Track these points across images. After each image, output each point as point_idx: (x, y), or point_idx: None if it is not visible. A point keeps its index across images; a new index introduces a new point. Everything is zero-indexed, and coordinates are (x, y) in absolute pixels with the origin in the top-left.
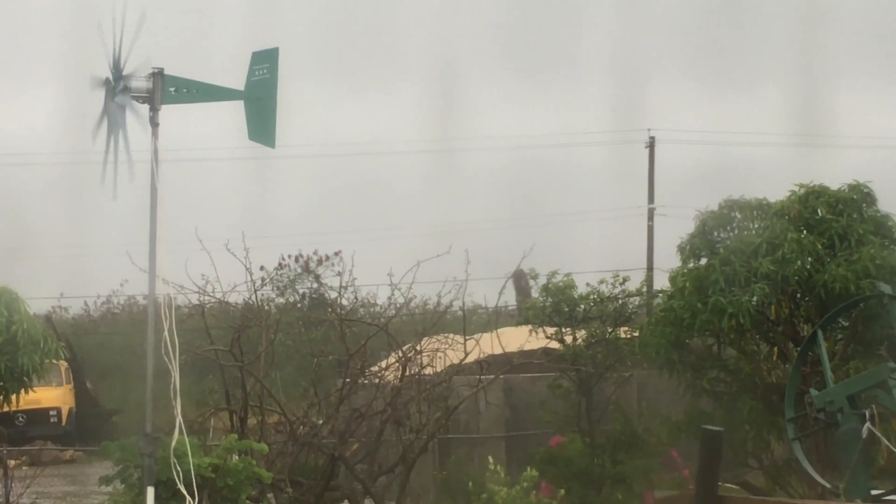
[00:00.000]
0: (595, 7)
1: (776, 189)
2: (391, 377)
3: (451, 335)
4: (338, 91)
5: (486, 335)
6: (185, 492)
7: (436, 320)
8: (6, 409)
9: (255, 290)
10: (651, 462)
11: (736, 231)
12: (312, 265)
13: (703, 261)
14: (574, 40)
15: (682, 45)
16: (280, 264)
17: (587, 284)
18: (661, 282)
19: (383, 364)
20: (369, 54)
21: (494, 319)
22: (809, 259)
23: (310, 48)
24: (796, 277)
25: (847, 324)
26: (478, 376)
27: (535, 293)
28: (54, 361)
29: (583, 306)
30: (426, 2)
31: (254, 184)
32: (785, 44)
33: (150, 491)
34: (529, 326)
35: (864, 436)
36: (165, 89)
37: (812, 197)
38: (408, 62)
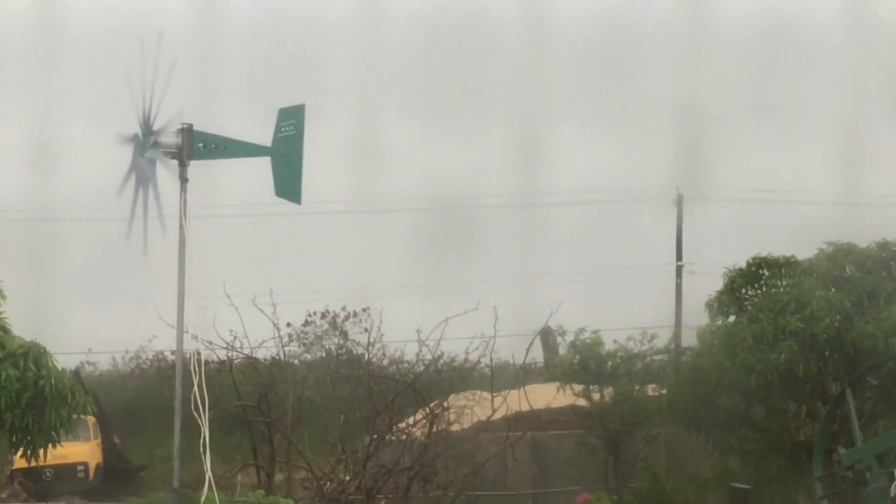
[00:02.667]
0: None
1: (804, 246)
2: (418, 434)
3: (479, 392)
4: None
5: (514, 392)
6: None
7: (463, 377)
8: (34, 464)
9: (283, 346)
10: None
11: (764, 288)
12: (339, 321)
13: (732, 318)
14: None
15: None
16: (307, 321)
17: (614, 341)
18: (689, 339)
19: (411, 420)
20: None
21: (522, 376)
22: (838, 317)
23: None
24: (825, 335)
25: (876, 382)
26: (505, 433)
27: (562, 350)
28: (82, 416)
29: (610, 363)
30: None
31: (281, 239)
32: (821, 99)
33: None
34: (557, 383)
35: (892, 494)
36: (194, 145)
37: (840, 255)
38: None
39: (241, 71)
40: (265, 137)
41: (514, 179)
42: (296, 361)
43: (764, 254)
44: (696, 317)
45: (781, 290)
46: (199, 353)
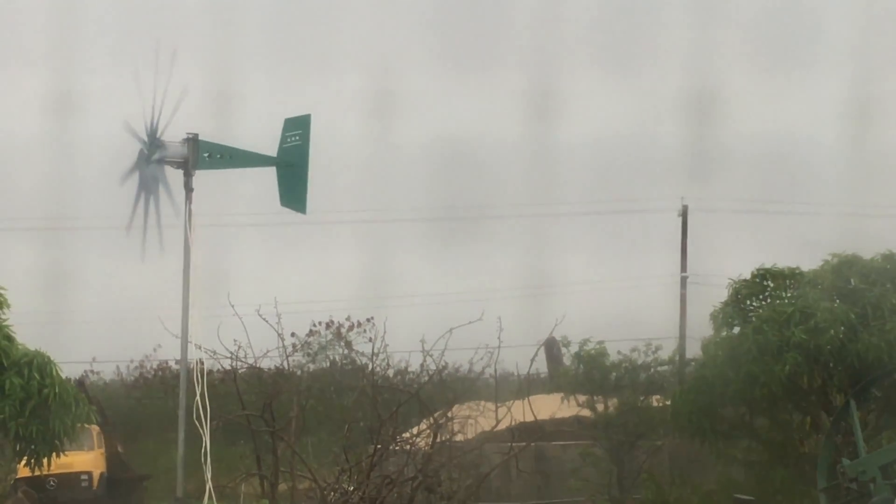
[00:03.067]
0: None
1: (808, 257)
2: (422, 444)
3: (483, 402)
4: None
5: (518, 402)
6: None
7: (468, 387)
8: (38, 472)
9: (287, 356)
10: None
11: (769, 300)
12: (343, 331)
13: (736, 329)
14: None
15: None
16: (311, 331)
17: (618, 352)
18: (693, 350)
19: (415, 430)
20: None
21: (526, 387)
22: (842, 328)
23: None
24: (829, 347)
25: (880, 394)
26: (509, 444)
27: (567, 361)
28: (86, 426)
29: (615, 374)
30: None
31: (285, 249)
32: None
33: None
34: (561, 394)
35: None
36: (200, 155)
37: (845, 266)
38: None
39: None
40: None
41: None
42: (299, 372)
43: (768, 265)
44: (701, 328)
45: (786, 301)
46: (202, 363)
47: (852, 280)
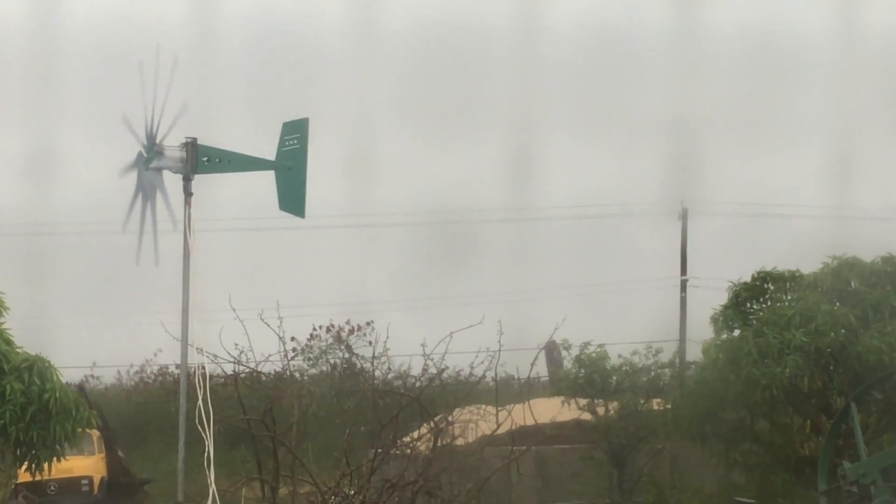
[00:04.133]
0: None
1: (807, 260)
2: (423, 448)
3: (484, 406)
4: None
5: (519, 406)
6: None
7: (468, 391)
8: (38, 477)
9: (288, 361)
10: None
11: (769, 302)
12: (344, 335)
13: (736, 332)
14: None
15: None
16: (311, 335)
17: (619, 356)
18: (694, 353)
19: (415, 435)
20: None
21: (527, 390)
22: (843, 331)
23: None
24: (829, 349)
25: (881, 396)
26: (510, 447)
27: (567, 364)
28: (86, 430)
29: (615, 378)
30: None
31: (287, 254)
32: (819, 112)
33: None
34: (562, 398)
35: None
36: (199, 159)
37: (845, 269)
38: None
39: (239, 84)
40: (267, 150)
41: (509, 191)
42: (300, 376)
43: (769, 268)
44: (702, 331)
45: (786, 304)
46: (203, 367)
47: (853, 283)
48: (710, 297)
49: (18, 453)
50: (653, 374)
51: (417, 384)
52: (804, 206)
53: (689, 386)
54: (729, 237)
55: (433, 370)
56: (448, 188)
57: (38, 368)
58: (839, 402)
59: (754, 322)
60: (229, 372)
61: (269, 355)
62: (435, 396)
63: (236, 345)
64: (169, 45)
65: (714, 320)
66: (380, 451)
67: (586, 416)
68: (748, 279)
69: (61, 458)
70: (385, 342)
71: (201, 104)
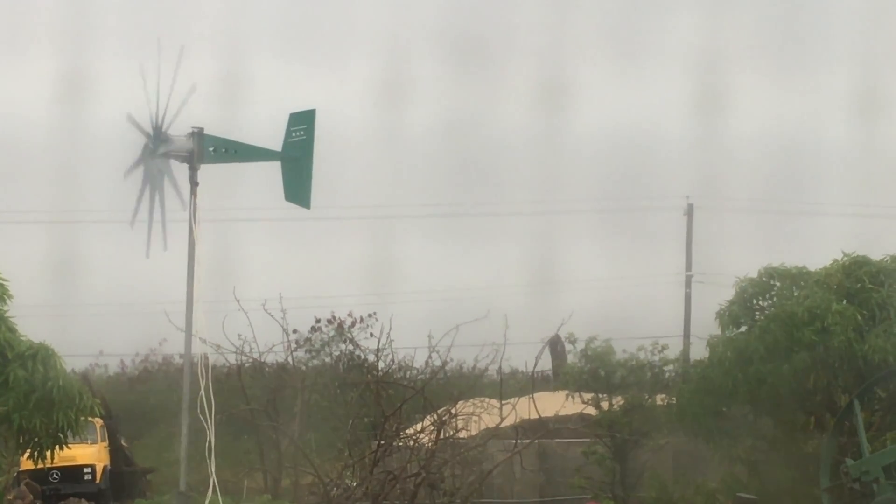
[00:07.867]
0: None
1: (813, 257)
2: (426, 440)
3: (487, 399)
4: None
5: (523, 400)
6: None
7: (472, 384)
8: (41, 465)
9: (292, 352)
10: None
11: (776, 299)
12: (346, 327)
13: (743, 328)
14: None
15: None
16: (313, 327)
17: (624, 351)
18: (698, 348)
19: (418, 427)
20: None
21: (531, 384)
22: (852, 331)
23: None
24: (838, 348)
25: (884, 394)
26: (513, 441)
27: (572, 358)
28: (90, 419)
29: (620, 373)
30: None
31: (291, 245)
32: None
33: None
34: (566, 392)
35: None
36: (205, 149)
37: (855, 267)
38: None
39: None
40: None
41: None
42: (304, 367)
43: (775, 264)
44: (706, 326)
45: (794, 301)
46: (206, 357)
47: (863, 280)
48: (715, 293)
49: (21, 441)
50: (657, 369)
51: (420, 377)
52: (815, 204)
53: (695, 382)
54: (736, 233)
55: (437, 363)
56: (448, 181)
57: (42, 356)
58: (843, 399)
59: (761, 318)
60: (233, 362)
61: (273, 346)
62: (439, 389)
63: (240, 335)
64: (189, 27)
65: (720, 316)
66: (382, 443)
67: (590, 410)
68: (754, 275)
69: (64, 447)
70: (388, 333)
71: (214, 89)
